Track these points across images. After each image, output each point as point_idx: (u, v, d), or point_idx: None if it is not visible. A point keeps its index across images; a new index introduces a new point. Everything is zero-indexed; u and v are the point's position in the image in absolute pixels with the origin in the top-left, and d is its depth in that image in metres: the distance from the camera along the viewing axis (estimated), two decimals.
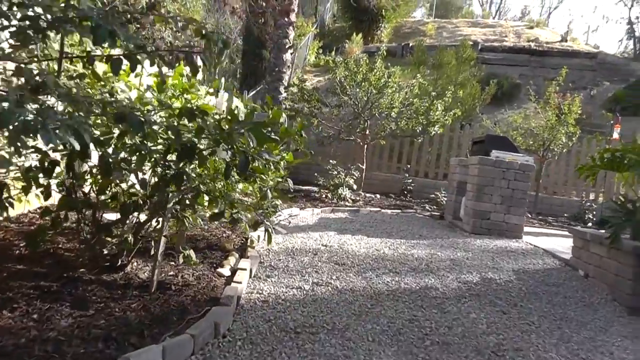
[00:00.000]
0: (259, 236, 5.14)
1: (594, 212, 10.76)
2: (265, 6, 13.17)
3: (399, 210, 8.77)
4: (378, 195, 10.43)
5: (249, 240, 5.01)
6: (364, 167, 10.36)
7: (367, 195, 10.16)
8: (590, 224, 10.57)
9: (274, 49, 12.72)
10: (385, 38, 23.91)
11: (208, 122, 2.97)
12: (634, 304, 4.44)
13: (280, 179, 4.39)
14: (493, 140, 7.90)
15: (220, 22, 20.49)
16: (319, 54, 21.15)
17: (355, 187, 9.44)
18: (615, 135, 11.66)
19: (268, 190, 4.04)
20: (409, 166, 11.91)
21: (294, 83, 12.35)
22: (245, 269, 4.05)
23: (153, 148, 3.20)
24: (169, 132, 3.04)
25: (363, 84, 9.80)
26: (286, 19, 12.49)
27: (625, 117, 13.84)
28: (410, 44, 21.52)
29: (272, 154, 3.25)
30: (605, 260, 4.92)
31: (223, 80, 4.01)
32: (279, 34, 12.60)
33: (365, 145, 10.59)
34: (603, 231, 5.13)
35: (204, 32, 2.85)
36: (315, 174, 10.04)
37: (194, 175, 3.45)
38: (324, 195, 9.19)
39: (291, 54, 13.39)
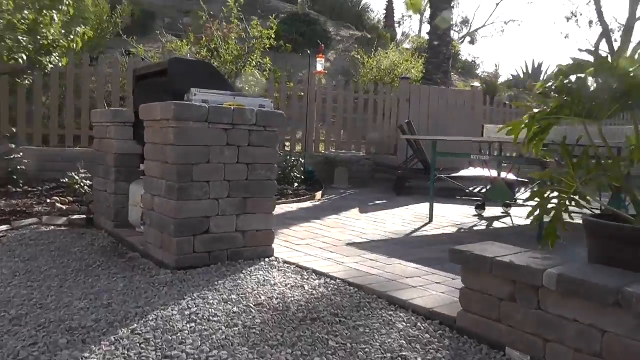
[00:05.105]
0: None
1: (302, 168, 8.01)
2: None
3: (6, 227, 4.32)
4: None
5: None
6: None
7: None
8: (296, 184, 7.78)
9: None
10: None
11: None
12: None
13: None
14: (185, 71, 4.07)
15: None
16: None
17: None
18: (320, 68, 9.05)
19: None
20: (14, 130, 7.04)
21: None
22: None
23: None
24: None
25: None
26: None
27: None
28: None
29: None
30: None
31: None
32: None
33: None
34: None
35: None
36: None
37: None
38: None
39: None
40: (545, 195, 2.67)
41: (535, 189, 3.06)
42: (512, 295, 2.27)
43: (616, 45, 15.75)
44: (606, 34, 16.09)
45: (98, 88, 7.40)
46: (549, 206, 2.58)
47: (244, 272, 3.29)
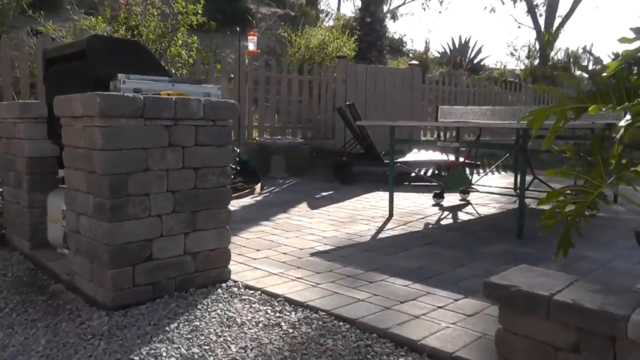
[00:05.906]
0: None
1: (237, 158, 7.32)
2: None
3: None
4: None
5: None
6: None
7: None
8: (232, 176, 7.08)
9: None
10: None
11: None
12: None
13: None
14: (109, 51, 3.29)
15: None
16: None
17: None
18: (252, 47, 8.30)
19: None
20: None
21: None
22: None
23: None
24: None
25: None
26: None
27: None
28: None
29: None
30: None
31: None
32: None
33: None
34: None
35: None
36: None
37: None
38: None
39: None
40: (561, 199, 2.20)
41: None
42: (575, 344, 1.75)
43: (541, 20, 15.88)
44: (531, 9, 16.19)
45: (3, 74, 6.35)
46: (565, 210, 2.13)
47: (199, 306, 2.62)
